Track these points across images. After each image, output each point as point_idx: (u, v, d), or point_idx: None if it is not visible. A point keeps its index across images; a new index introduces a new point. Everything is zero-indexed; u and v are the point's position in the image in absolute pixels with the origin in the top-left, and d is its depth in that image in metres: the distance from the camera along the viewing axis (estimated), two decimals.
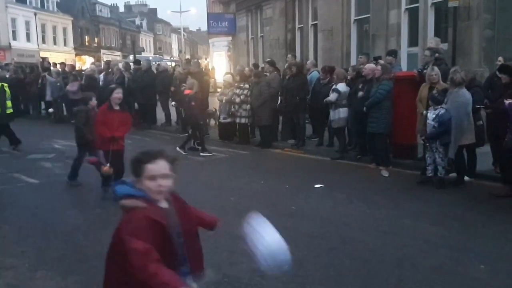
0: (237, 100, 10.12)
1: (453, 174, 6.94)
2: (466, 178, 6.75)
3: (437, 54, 7.59)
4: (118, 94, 6.15)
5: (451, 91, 6.41)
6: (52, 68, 16.10)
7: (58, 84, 14.21)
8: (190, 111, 9.55)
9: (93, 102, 6.67)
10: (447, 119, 6.36)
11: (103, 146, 6.09)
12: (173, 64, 26.20)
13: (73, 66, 18.04)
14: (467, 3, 9.23)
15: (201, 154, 9.27)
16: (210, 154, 9.30)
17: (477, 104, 6.48)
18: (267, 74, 10.44)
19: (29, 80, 15.25)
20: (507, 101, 5.64)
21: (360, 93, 7.74)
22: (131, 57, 34.85)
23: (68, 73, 14.85)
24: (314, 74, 10.12)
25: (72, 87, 13.24)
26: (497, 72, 6.54)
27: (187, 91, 9.58)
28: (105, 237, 4.81)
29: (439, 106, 6.46)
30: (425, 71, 7.34)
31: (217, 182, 7.30)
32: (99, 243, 4.70)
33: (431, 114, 6.53)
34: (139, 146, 10.42)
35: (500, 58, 6.97)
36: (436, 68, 6.88)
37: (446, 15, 10.16)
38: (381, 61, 8.12)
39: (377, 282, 3.85)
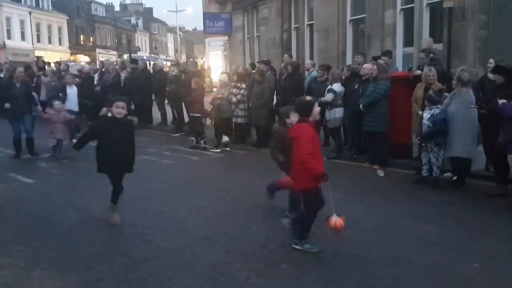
0: (234, 99, 10.13)
1: (448, 174, 7.00)
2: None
3: (431, 55, 7.64)
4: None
5: (458, 91, 6.44)
6: (47, 67, 16.04)
7: (53, 83, 14.13)
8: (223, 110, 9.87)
9: (293, 118, 4.78)
10: (441, 119, 6.40)
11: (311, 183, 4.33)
12: (168, 63, 26.14)
13: (67, 65, 17.98)
14: (462, 3, 9.28)
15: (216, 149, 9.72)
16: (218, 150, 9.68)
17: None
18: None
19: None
20: (500, 101, 5.68)
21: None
22: (126, 56, 34.76)
23: (63, 71, 14.78)
24: (314, 74, 10.10)
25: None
26: (491, 73, 6.58)
27: (219, 95, 10.01)
28: (100, 236, 4.85)
29: (435, 106, 6.50)
30: (418, 71, 7.39)
31: (213, 181, 7.31)
32: (94, 242, 4.71)
33: (426, 114, 6.57)
34: (136, 146, 10.41)
35: (491, 60, 7.01)
36: (433, 69, 6.91)
37: (441, 16, 10.21)
38: (380, 61, 8.14)
39: (373, 281, 3.87)
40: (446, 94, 6.75)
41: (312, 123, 4.41)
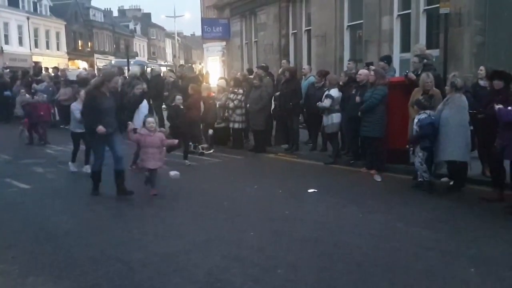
0: (231, 105, 10.14)
1: (445, 179, 7.01)
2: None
3: (425, 60, 7.67)
4: None
5: (451, 96, 6.45)
6: (44, 72, 16.07)
7: (50, 89, 14.15)
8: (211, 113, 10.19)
9: None
10: (426, 123, 6.44)
11: None
12: (164, 69, 26.13)
13: (64, 71, 18.04)
14: (458, 9, 9.34)
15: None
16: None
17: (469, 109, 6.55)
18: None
19: (21, 85, 15.18)
20: (497, 107, 5.70)
21: (358, 98, 7.74)
22: (113, 61, 34.80)
23: (60, 78, 14.82)
24: (311, 79, 10.13)
25: (64, 94, 13.21)
26: (486, 79, 6.61)
27: (211, 94, 10.31)
28: (96, 242, 4.84)
29: (422, 111, 6.54)
30: (411, 74, 7.42)
31: (211, 186, 7.30)
32: (90, 248, 4.69)
33: (416, 119, 6.62)
34: (133, 150, 10.41)
35: (482, 68, 7.04)
36: (431, 75, 6.93)
37: (437, 21, 10.27)
38: (373, 67, 8.20)
39: (369, 286, 3.86)
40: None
41: None
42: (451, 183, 6.85)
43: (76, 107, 7.82)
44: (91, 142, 6.52)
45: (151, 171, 6.55)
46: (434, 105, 6.61)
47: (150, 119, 6.76)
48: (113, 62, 35.59)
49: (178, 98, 8.74)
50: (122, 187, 6.41)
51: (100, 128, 6.16)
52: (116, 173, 6.40)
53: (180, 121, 8.62)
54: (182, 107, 8.74)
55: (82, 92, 7.55)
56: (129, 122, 6.83)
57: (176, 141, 7.10)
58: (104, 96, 6.35)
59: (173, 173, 7.00)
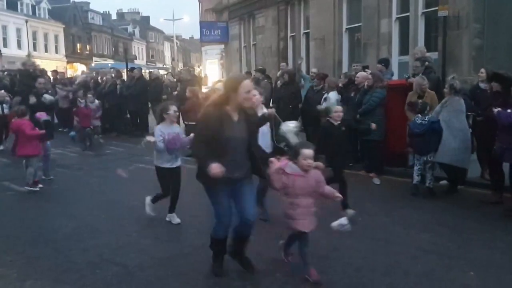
0: None
1: (444, 182, 7.01)
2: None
3: (427, 63, 7.68)
4: None
5: (449, 99, 6.46)
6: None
7: (49, 91, 14.12)
8: None
9: None
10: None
11: None
12: (163, 72, 26.21)
13: (63, 74, 18.05)
14: (456, 12, 9.36)
15: None
16: None
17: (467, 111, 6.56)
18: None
19: (19, 89, 15.14)
20: (495, 110, 5.70)
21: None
22: (93, 64, 34.73)
23: (59, 81, 14.83)
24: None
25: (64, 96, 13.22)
26: (487, 81, 6.62)
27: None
28: (94, 246, 4.82)
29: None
30: (411, 77, 7.45)
31: None
32: (88, 252, 4.68)
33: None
34: (131, 154, 10.41)
35: (482, 70, 7.06)
36: (425, 78, 6.94)
37: (436, 24, 10.29)
38: (368, 70, 8.23)
39: None
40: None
41: None
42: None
43: (158, 129, 5.34)
44: (208, 192, 4.03)
45: (301, 235, 4.01)
46: (422, 109, 6.65)
47: (308, 152, 3.91)
48: (93, 65, 35.31)
49: (337, 109, 5.90)
50: (243, 256, 4.18)
51: (215, 167, 3.60)
52: (238, 238, 4.12)
53: (337, 145, 5.70)
54: (337, 123, 5.77)
55: (172, 110, 5.34)
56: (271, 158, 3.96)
57: (339, 196, 4.24)
58: (229, 119, 3.81)
59: (337, 224, 4.20)
